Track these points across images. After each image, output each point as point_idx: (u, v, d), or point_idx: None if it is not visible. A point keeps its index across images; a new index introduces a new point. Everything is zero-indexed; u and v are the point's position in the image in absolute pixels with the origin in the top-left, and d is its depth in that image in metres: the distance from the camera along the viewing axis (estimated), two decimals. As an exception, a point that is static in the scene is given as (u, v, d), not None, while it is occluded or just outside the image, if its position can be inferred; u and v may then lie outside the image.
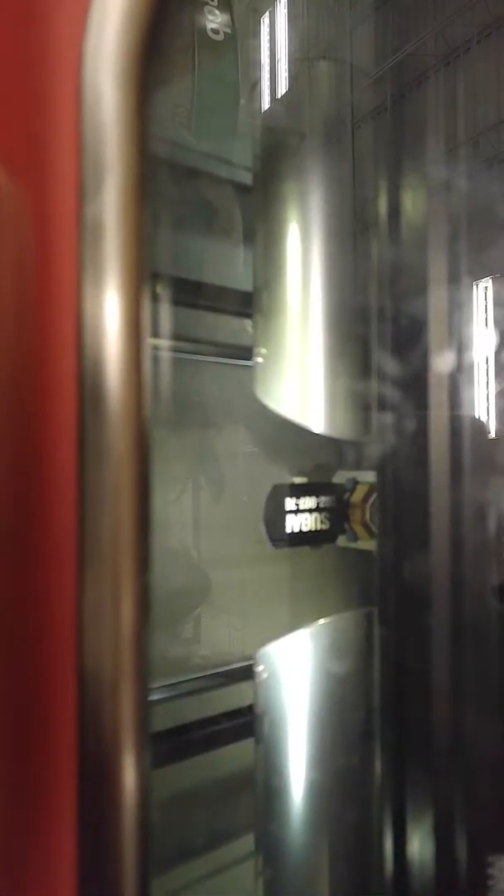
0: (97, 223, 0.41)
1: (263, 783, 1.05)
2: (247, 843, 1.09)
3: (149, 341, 0.47)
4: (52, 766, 0.52)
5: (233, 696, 1.27)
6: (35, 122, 0.46)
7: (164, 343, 1.04)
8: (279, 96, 1.14)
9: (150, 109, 0.40)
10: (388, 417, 0.99)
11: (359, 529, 1.12)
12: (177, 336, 1.21)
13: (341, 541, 1.13)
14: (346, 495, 1.13)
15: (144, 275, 0.42)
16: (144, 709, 0.49)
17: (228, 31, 1.32)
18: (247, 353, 1.11)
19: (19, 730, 0.53)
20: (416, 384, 0.96)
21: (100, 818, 0.48)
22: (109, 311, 0.43)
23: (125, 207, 0.40)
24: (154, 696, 0.53)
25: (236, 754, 1.23)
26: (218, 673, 1.30)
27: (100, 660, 0.48)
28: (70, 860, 0.49)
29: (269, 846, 1.05)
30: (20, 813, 0.52)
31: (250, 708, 1.07)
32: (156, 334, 0.49)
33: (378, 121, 1.17)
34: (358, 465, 1.11)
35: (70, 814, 0.49)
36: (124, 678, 0.48)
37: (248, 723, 1.07)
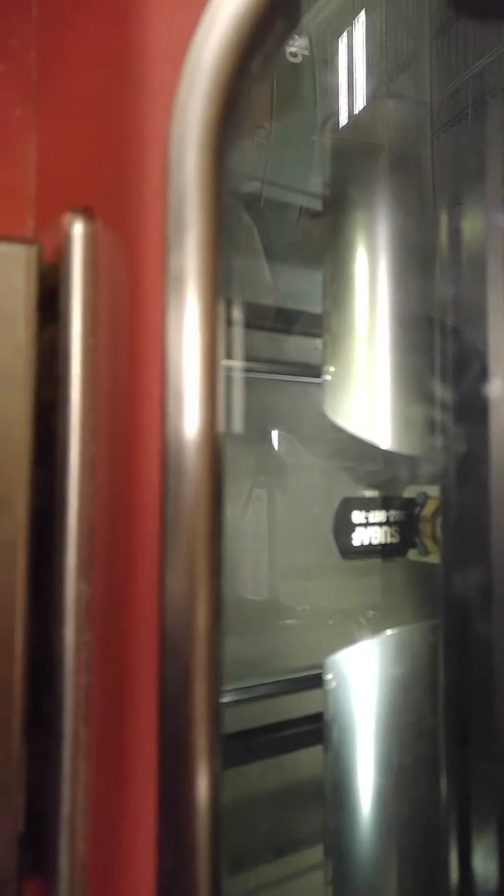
0: (179, 273, 0.47)
1: (332, 790, 1.06)
2: (317, 852, 1.10)
3: (223, 367, 0.52)
4: (137, 754, 0.56)
5: (299, 703, 1.29)
6: (129, 185, 0.53)
7: (239, 364, 1.09)
8: (352, 116, 1.16)
9: (225, 173, 0.46)
10: (454, 433, 1.00)
11: (429, 543, 1.12)
12: (252, 357, 1.27)
13: (412, 554, 1.13)
14: (417, 509, 1.14)
15: (219, 316, 0.48)
16: (217, 709, 0.51)
17: (306, 52, 1.35)
18: (317, 371, 1.14)
19: (110, 722, 0.58)
20: (482, 401, 0.96)
21: (177, 809, 0.51)
22: (190, 345, 0.49)
23: (202, 260, 0.47)
24: (225, 699, 0.56)
25: (306, 761, 1.25)
26: (287, 679, 1.33)
27: (177, 659, 0.52)
28: (150, 849, 0.52)
29: (339, 854, 1.06)
30: (110, 800, 0.57)
31: (319, 715, 1.09)
32: (231, 357, 0.54)
33: (456, 131, 1.15)
34: (432, 481, 1.12)
35: (152, 804, 0.53)
36: (198, 677, 0.51)
37: (317, 729, 1.09)
